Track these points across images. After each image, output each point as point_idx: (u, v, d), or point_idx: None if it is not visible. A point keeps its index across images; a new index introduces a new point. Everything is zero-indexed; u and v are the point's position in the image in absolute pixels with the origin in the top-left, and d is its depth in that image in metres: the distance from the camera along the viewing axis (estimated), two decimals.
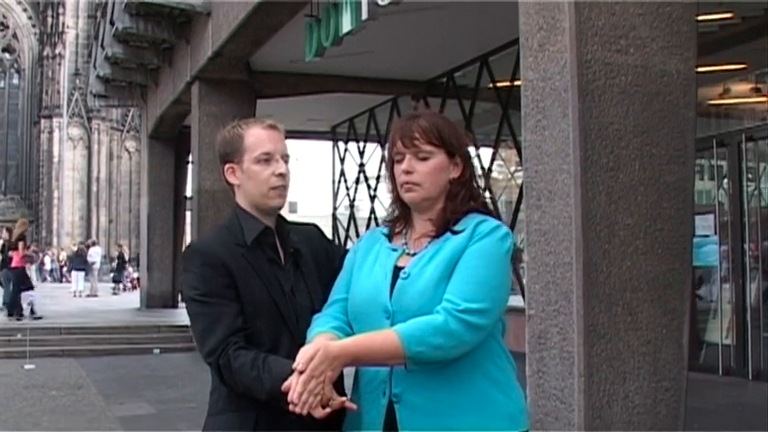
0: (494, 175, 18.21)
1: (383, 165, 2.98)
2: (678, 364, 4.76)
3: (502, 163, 17.63)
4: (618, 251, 4.61)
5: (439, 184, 2.78)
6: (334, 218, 26.64)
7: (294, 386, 2.52)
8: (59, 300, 29.09)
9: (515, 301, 13.05)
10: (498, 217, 2.79)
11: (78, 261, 33.56)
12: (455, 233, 2.73)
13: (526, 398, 2.79)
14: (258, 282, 2.86)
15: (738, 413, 9.57)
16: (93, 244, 38.87)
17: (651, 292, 4.67)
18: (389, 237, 2.90)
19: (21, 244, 21.10)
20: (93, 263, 33.91)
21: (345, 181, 25.54)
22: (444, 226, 2.76)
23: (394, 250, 2.82)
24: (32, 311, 20.62)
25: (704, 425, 8.34)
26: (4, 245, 22.12)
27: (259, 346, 2.77)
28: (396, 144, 2.81)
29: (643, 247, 4.65)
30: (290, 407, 2.52)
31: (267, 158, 2.95)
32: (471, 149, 2.92)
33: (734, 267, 11.72)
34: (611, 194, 4.60)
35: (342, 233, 25.25)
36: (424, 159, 2.76)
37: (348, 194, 25.07)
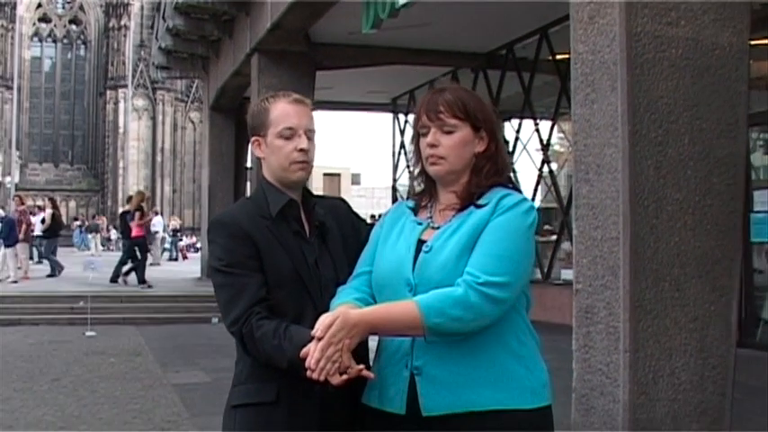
0: (555, 147, 18.12)
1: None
2: (726, 341, 4.70)
3: (563, 135, 17.52)
4: (666, 226, 4.55)
5: (463, 157, 2.79)
6: (394, 189, 26.70)
7: (312, 352, 2.54)
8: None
9: (566, 274, 12.97)
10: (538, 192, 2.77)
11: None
12: (479, 207, 2.73)
13: (554, 371, 2.77)
14: (282, 253, 2.89)
15: None
16: (156, 214, 39.27)
17: (699, 268, 4.61)
18: (415, 210, 2.91)
19: (138, 214, 21.49)
20: (156, 232, 34.28)
21: (406, 153, 25.49)
22: (468, 199, 2.76)
23: (419, 224, 2.84)
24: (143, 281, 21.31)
25: (757, 403, 8.24)
26: (123, 215, 22.61)
27: (283, 318, 2.80)
28: (421, 117, 2.82)
29: (691, 223, 4.59)
30: (308, 373, 2.55)
31: (290, 133, 2.96)
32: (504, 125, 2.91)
33: None
34: (659, 169, 4.54)
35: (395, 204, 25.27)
36: (449, 133, 2.77)
37: (408, 166, 25.04)
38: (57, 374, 10.97)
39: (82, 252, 43.91)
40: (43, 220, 25.03)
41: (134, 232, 21.41)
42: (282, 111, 2.99)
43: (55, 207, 26.06)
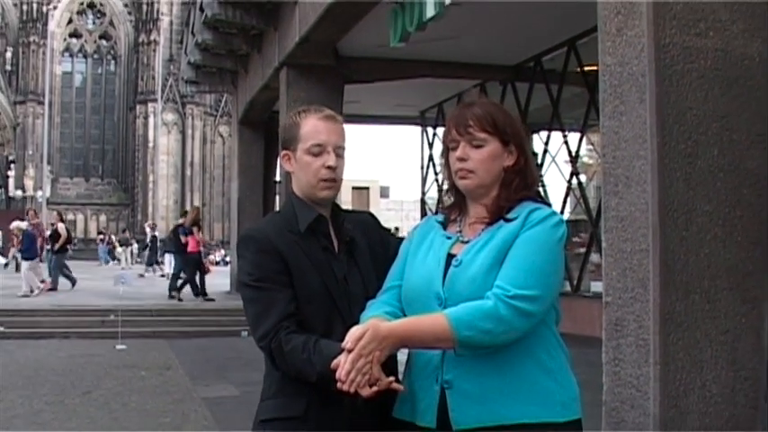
0: (584, 159, 18.07)
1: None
2: (758, 353, 4.66)
3: (591, 147, 17.47)
4: (696, 238, 4.53)
5: (493, 171, 2.80)
6: (423, 202, 26.70)
7: (343, 364, 2.55)
8: (152, 282, 29.64)
9: (596, 287, 12.91)
10: (565, 204, 2.78)
11: (171, 244, 34.12)
12: (508, 221, 2.74)
13: (584, 384, 2.76)
14: (311, 269, 2.89)
15: None
16: None
17: (730, 280, 4.58)
18: (444, 224, 2.92)
19: (195, 229, 21.59)
20: None
21: (434, 165, 25.54)
22: (498, 213, 2.77)
23: (448, 238, 2.85)
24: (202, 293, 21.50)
25: None
26: (175, 229, 22.72)
27: (312, 333, 2.80)
28: (450, 132, 2.83)
29: (722, 235, 4.56)
30: (338, 384, 2.56)
31: (319, 150, 2.96)
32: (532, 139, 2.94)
33: None
34: (688, 181, 4.52)
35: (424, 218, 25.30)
36: (478, 147, 2.78)
37: (437, 179, 25.06)
38: (88, 388, 11.03)
39: (107, 266, 44.26)
40: (52, 236, 24.95)
41: (190, 247, 21.51)
42: (313, 127, 2.98)
43: (62, 221, 26.04)
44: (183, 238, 21.54)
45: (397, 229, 24.13)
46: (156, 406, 9.86)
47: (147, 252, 37.00)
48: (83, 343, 15.96)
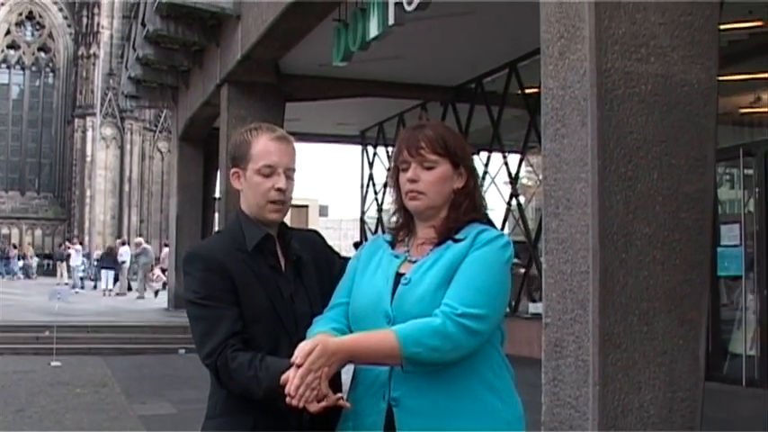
0: (523, 181, 18.19)
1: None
2: (694, 374, 4.73)
3: (531, 169, 17.60)
4: (635, 261, 4.59)
5: (443, 193, 2.82)
6: (363, 222, 26.68)
7: (292, 379, 2.55)
8: (88, 298, 29.30)
9: (534, 308, 13.02)
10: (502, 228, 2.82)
11: (108, 260, 33.76)
12: (456, 241, 2.77)
13: (523, 404, 2.79)
14: (258, 287, 2.88)
15: (760, 425, 9.48)
16: (123, 243, 38.98)
17: (668, 303, 4.65)
18: (392, 244, 2.94)
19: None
20: (123, 262, 34.07)
21: (374, 185, 25.57)
22: (446, 234, 2.79)
23: (396, 257, 2.86)
24: None
25: None
26: None
27: (258, 351, 2.79)
28: (402, 153, 2.85)
29: (660, 257, 4.63)
30: (287, 399, 2.55)
31: (270, 171, 2.95)
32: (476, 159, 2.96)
33: (759, 277, 11.63)
34: (628, 204, 4.59)
35: (370, 237, 25.25)
36: (429, 168, 2.81)
37: (376, 198, 25.08)
38: (21, 405, 10.85)
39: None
40: None
41: None
42: (264, 147, 2.96)
43: None
44: None
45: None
46: (92, 424, 9.73)
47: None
48: (16, 359, 15.69)
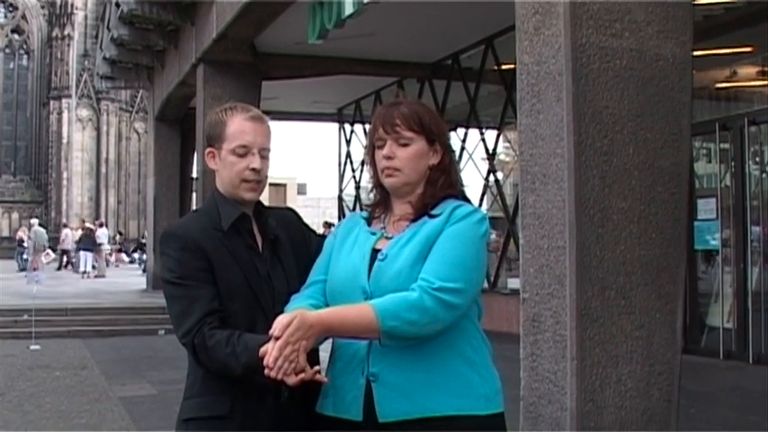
0: (501, 157, 18.23)
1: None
2: (672, 348, 4.75)
3: (508, 145, 17.63)
4: (611, 235, 4.60)
5: (419, 169, 2.84)
6: (341, 199, 26.71)
7: (270, 351, 2.56)
8: (67, 281, 29.21)
9: (513, 284, 13.10)
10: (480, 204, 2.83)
11: (87, 242, 33.64)
12: (432, 216, 2.78)
13: (502, 379, 2.81)
14: (235, 266, 2.89)
15: (738, 397, 9.58)
16: (101, 225, 38.88)
17: (645, 276, 4.66)
18: (369, 221, 2.96)
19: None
20: (100, 244, 33.98)
21: (351, 163, 25.58)
22: (422, 210, 2.81)
23: (373, 234, 2.88)
24: None
25: (703, 408, 8.36)
26: None
27: (235, 329, 2.79)
28: (377, 130, 2.88)
29: (637, 232, 4.64)
30: (266, 371, 2.56)
31: (244, 151, 2.95)
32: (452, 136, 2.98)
33: (736, 251, 11.71)
34: (604, 178, 4.59)
35: (348, 214, 25.27)
36: (405, 145, 2.83)
37: (354, 176, 25.09)
38: (0, 389, 10.82)
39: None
40: None
41: None
42: (239, 126, 2.96)
43: None
44: None
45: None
46: (72, 406, 9.72)
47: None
48: None
